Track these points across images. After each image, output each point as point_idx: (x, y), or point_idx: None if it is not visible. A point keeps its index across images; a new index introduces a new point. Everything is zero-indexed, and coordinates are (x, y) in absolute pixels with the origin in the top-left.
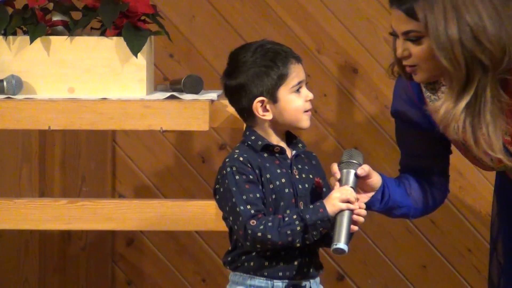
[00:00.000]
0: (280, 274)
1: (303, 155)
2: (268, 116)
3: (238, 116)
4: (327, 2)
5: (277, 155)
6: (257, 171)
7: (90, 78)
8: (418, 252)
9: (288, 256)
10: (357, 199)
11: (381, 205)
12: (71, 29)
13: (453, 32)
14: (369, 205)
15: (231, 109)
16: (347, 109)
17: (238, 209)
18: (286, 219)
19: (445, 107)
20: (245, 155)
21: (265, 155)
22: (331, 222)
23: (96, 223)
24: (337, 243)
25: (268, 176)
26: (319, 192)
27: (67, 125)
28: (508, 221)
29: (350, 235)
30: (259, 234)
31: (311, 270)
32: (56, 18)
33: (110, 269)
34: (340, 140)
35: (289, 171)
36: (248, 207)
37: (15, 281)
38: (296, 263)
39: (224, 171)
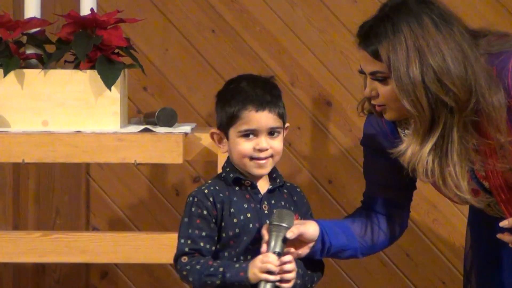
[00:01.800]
0: None
1: (285, 190)
2: (223, 149)
3: (211, 149)
4: (301, 35)
5: (249, 188)
6: (218, 205)
7: (64, 111)
8: (392, 285)
9: None
10: (284, 263)
11: (323, 253)
12: (45, 62)
13: (416, 73)
14: (312, 255)
15: (205, 142)
16: (321, 142)
17: (178, 241)
18: (211, 269)
19: (411, 149)
20: (212, 188)
21: (237, 188)
22: (253, 285)
23: (70, 255)
24: None
25: (232, 210)
26: None
27: (41, 158)
28: (481, 253)
29: None
30: (184, 273)
31: None
32: (30, 51)
33: None
34: (314, 173)
35: (258, 206)
36: (189, 242)
37: None
38: None
39: (187, 200)
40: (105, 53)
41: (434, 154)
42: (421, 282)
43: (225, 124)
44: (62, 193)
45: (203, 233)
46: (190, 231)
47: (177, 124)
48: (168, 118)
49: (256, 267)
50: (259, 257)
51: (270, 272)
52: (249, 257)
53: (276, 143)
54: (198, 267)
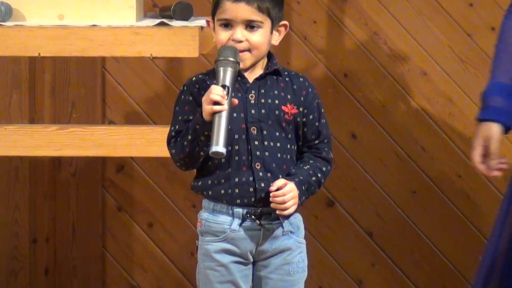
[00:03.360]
0: (238, 201)
1: (286, 79)
2: (215, 37)
3: None
4: None
5: (238, 78)
6: (202, 92)
7: (79, 5)
8: (407, 178)
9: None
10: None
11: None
12: None
13: None
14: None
15: None
16: (336, 35)
17: (169, 129)
18: (183, 131)
19: None
20: (200, 76)
21: None
22: (210, 123)
23: (86, 149)
24: (212, 147)
25: None
26: (287, 119)
27: (57, 52)
28: None
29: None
30: (172, 151)
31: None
32: None
33: (101, 195)
34: (329, 67)
35: (245, 95)
36: (177, 127)
37: (5, 207)
38: (251, 189)
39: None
40: None
41: None
42: (437, 175)
43: (212, 12)
44: (78, 86)
45: (190, 117)
46: (179, 118)
47: (192, 18)
48: (184, 12)
49: (204, 102)
50: (206, 92)
51: (217, 104)
52: (236, 147)
53: (255, 37)
54: (178, 139)
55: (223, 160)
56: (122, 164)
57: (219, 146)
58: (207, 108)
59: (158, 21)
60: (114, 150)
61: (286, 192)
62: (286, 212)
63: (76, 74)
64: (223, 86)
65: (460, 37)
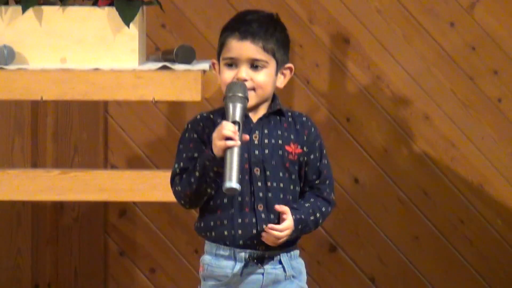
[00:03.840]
0: (241, 242)
1: (289, 119)
2: (219, 79)
3: None
4: None
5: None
6: (206, 130)
7: (82, 48)
8: (410, 223)
9: (240, 224)
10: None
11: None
12: None
13: None
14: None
15: None
16: (339, 79)
17: (173, 166)
18: (190, 168)
19: None
20: (205, 115)
21: None
22: (221, 160)
23: (89, 193)
24: (226, 183)
25: None
26: (291, 159)
27: (59, 96)
28: None
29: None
30: (176, 188)
31: None
32: None
33: (103, 240)
34: (332, 111)
35: (249, 135)
36: (181, 164)
37: (8, 251)
38: (254, 231)
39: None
40: None
41: None
42: (439, 220)
43: (218, 53)
44: (80, 130)
45: (195, 155)
46: (184, 155)
47: (195, 61)
48: (186, 55)
49: (215, 138)
50: (216, 128)
51: (230, 140)
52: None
53: (259, 77)
54: (184, 176)
55: (225, 201)
56: (124, 208)
57: (232, 181)
58: (219, 143)
59: (160, 64)
60: (117, 194)
61: (283, 229)
62: (269, 243)
63: (79, 118)
64: (234, 122)
65: (463, 81)
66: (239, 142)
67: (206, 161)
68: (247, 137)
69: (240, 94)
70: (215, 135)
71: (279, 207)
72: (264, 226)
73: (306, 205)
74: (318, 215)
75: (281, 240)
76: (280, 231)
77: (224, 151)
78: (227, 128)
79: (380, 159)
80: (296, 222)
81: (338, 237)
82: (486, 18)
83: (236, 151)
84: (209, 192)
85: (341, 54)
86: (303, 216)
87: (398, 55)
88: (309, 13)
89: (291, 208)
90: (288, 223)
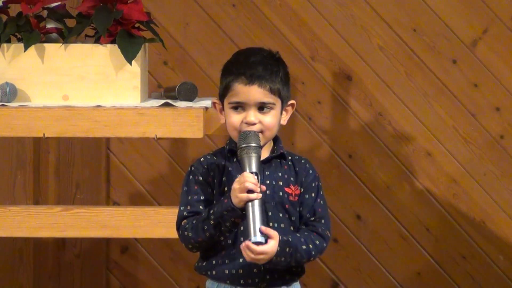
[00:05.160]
0: (242, 281)
1: (290, 163)
2: (222, 120)
3: None
4: (321, 9)
5: None
6: (211, 173)
7: (84, 86)
8: (412, 259)
9: (241, 264)
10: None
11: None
12: (65, 36)
13: None
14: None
15: None
16: (341, 116)
17: (179, 209)
18: (204, 215)
19: None
20: (208, 157)
21: (234, 159)
22: (240, 210)
23: (91, 230)
24: (252, 237)
25: (224, 179)
26: (292, 200)
27: (61, 133)
28: None
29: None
30: (186, 233)
31: (276, 276)
32: (50, 25)
33: (105, 277)
34: (334, 148)
35: None
36: (188, 207)
37: None
38: (255, 270)
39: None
40: (126, 27)
41: None
42: (442, 256)
43: (221, 95)
44: (82, 167)
45: (202, 197)
46: (189, 198)
47: (197, 99)
48: (189, 93)
49: (236, 190)
50: (236, 179)
51: (251, 192)
52: (241, 228)
53: (267, 119)
54: (194, 221)
55: (229, 242)
56: (126, 245)
57: (257, 236)
58: (241, 195)
59: (162, 101)
60: (118, 231)
61: (262, 251)
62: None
63: (81, 154)
64: (255, 174)
65: (465, 118)
66: (260, 195)
67: (224, 211)
68: (264, 188)
69: (254, 144)
70: (235, 186)
71: (265, 229)
72: (244, 243)
73: (298, 234)
74: (311, 246)
75: (261, 258)
76: (259, 252)
77: (245, 203)
78: (249, 180)
79: (382, 196)
80: (283, 243)
81: (340, 273)
82: (488, 55)
83: (257, 203)
84: (221, 239)
85: (343, 91)
86: (290, 239)
87: (400, 92)
88: (311, 50)
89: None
90: (268, 247)
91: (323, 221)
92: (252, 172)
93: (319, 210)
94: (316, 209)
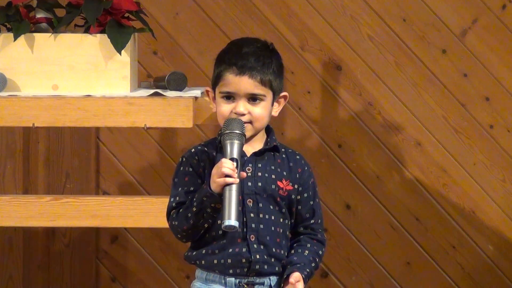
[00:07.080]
0: (231, 271)
1: (283, 156)
2: (214, 108)
3: None
4: None
5: None
6: (202, 163)
7: (74, 75)
8: (402, 249)
9: (230, 254)
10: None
11: None
12: (55, 26)
13: None
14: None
15: None
16: (331, 106)
17: (169, 200)
18: (187, 202)
19: None
20: (200, 148)
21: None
22: (219, 196)
23: (80, 220)
24: (225, 221)
25: None
26: (282, 194)
27: (51, 122)
28: None
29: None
30: (173, 222)
31: (266, 267)
32: (40, 15)
33: (94, 266)
34: (324, 138)
35: (242, 168)
36: (177, 198)
37: None
38: (244, 260)
39: (178, 161)
40: (115, 17)
41: None
42: (431, 246)
43: (213, 83)
44: (72, 157)
45: (191, 188)
46: (179, 189)
47: (187, 88)
48: (178, 82)
49: (214, 176)
50: (215, 166)
51: (229, 177)
52: None
53: (257, 110)
54: (181, 210)
55: (220, 232)
56: (116, 234)
57: (231, 220)
58: (218, 180)
59: (152, 91)
60: (108, 220)
61: None
62: None
63: (70, 144)
64: (232, 159)
65: (454, 108)
66: (237, 180)
67: (203, 197)
68: (244, 174)
69: (237, 131)
70: (214, 172)
71: (293, 279)
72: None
73: (306, 253)
74: (317, 259)
75: None
76: None
77: (222, 188)
78: (226, 165)
79: (372, 185)
80: (306, 278)
81: (330, 263)
82: (478, 45)
83: (234, 188)
84: (206, 227)
85: (332, 81)
86: (308, 270)
87: (389, 82)
88: (301, 40)
89: (294, 264)
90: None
91: (319, 221)
92: (232, 159)
93: (317, 211)
94: (315, 209)
